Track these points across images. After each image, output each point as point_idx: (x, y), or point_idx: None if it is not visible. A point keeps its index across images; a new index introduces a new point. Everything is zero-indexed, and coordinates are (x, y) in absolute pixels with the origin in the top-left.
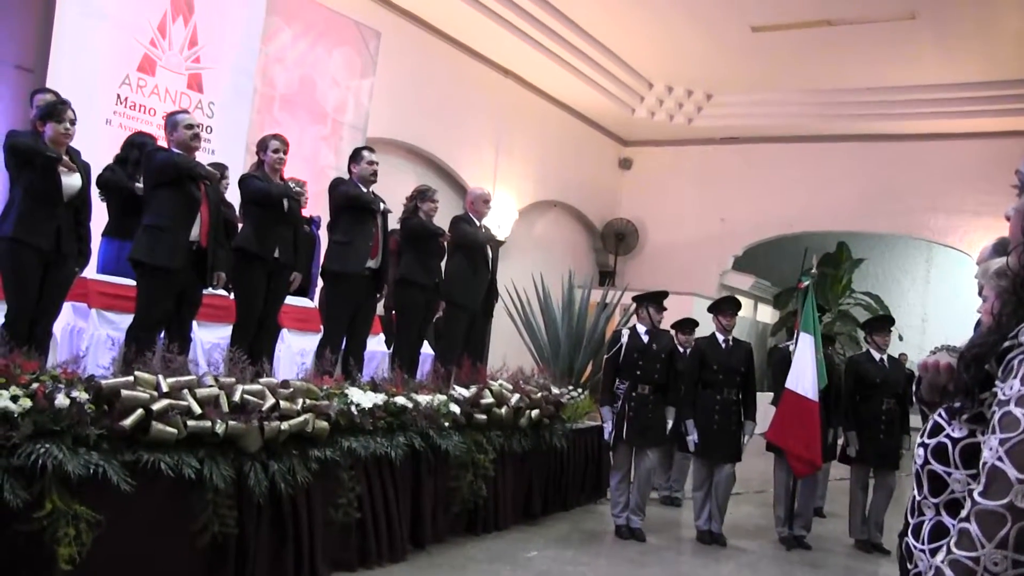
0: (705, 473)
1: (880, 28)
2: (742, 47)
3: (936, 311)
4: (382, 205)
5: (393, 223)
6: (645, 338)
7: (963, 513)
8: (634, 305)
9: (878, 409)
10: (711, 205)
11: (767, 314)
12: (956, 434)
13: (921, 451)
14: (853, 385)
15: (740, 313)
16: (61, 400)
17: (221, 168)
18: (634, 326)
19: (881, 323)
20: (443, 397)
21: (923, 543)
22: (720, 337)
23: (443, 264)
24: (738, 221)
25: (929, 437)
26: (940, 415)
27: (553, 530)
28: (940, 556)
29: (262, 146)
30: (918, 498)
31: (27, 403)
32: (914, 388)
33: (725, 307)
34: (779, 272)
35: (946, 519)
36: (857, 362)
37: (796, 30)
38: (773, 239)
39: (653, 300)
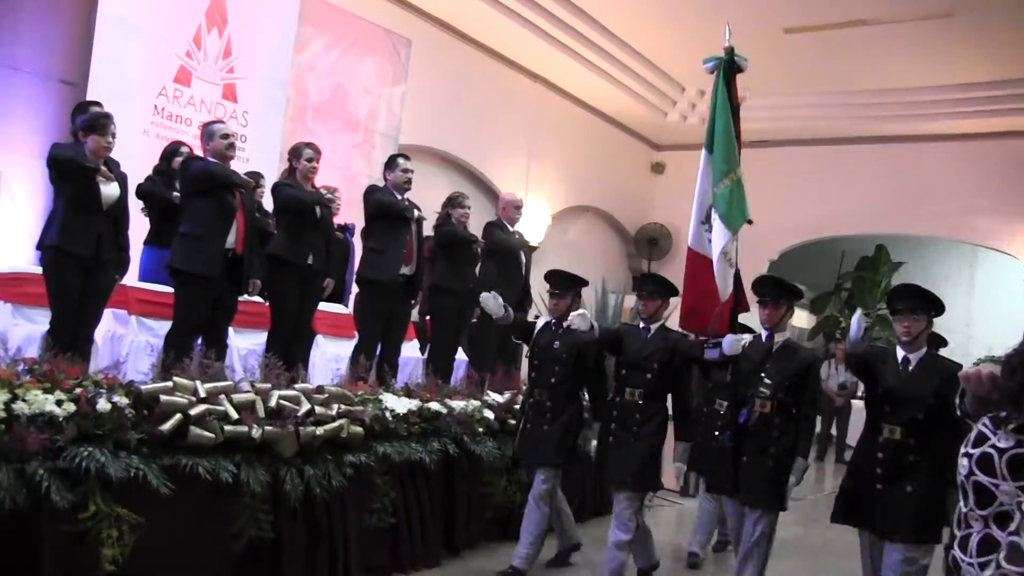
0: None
1: (916, 27)
2: (774, 49)
3: (983, 315)
4: (416, 212)
5: (427, 230)
6: (547, 333)
7: (1012, 526)
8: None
9: None
10: None
11: (803, 319)
12: (1002, 444)
13: (965, 461)
14: None
15: None
16: (103, 405)
17: (256, 176)
18: (547, 319)
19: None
20: (477, 403)
21: (971, 556)
22: (640, 324)
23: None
24: (772, 225)
25: (973, 447)
26: (985, 424)
27: (590, 535)
28: (990, 571)
29: (295, 154)
30: (964, 510)
31: (71, 407)
32: (957, 400)
33: (641, 287)
34: (815, 276)
35: (995, 532)
36: None
37: (829, 31)
38: (808, 243)
39: (548, 283)
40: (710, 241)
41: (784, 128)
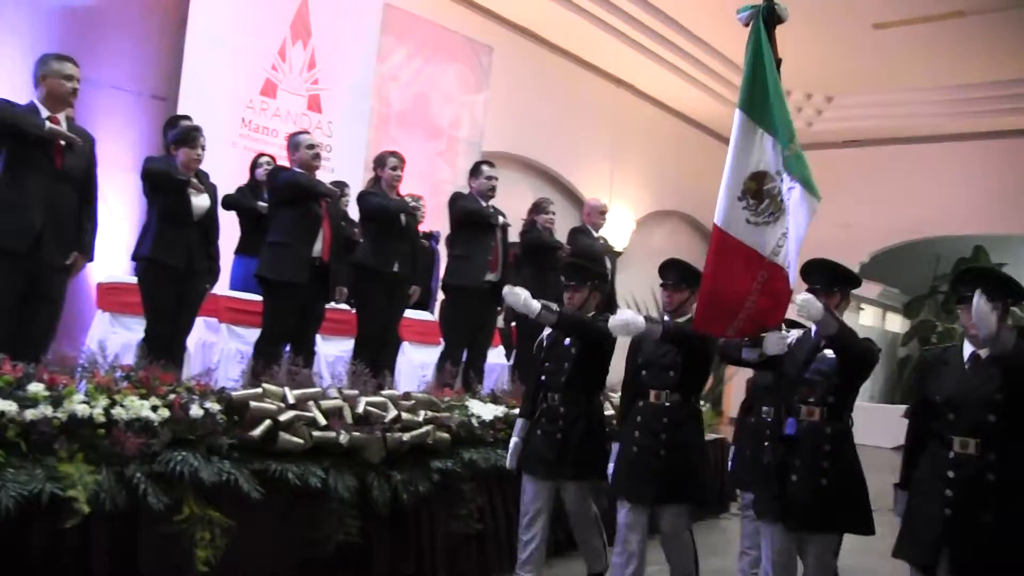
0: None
1: (1017, 16)
2: (864, 45)
3: None
4: (501, 219)
5: (512, 236)
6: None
7: None
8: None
9: None
10: (834, 211)
11: (896, 323)
12: None
13: None
14: None
15: (865, 322)
16: (195, 411)
17: (341, 186)
18: None
19: None
20: None
21: None
22: (664, 319)
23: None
24: (863, 227)
25: None
26: None
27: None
28: None
29: (379, 163)
30: None
31: (165, 413)
32: None
33: (662, 274)
34: (909, 279)
35: None
36: None
37: (923, 24)
38: (902, 244)
39: (563, 275)
40: (748, 221)
41: (875, 127)
